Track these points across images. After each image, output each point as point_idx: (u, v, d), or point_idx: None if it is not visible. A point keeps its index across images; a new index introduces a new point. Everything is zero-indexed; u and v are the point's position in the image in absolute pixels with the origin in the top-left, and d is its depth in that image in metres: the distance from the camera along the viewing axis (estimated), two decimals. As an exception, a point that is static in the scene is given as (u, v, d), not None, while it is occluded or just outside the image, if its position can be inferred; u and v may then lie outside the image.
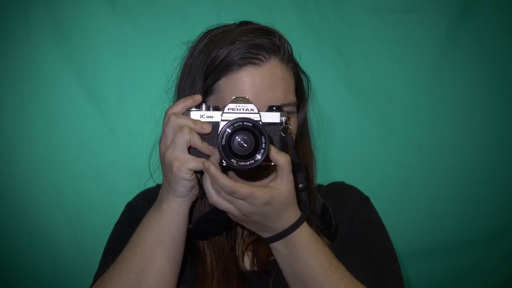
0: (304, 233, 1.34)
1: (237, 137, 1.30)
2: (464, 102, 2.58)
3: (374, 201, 1.74)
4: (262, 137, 1.28)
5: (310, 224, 1.52)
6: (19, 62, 2.40)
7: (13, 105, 2.41)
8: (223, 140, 1.29)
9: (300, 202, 1.41)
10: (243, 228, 1.57)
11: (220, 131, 1.30)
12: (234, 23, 1.57)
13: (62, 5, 2.40)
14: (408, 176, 2.57)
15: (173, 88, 1.58)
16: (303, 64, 1.63)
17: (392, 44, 2.56)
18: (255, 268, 1.55)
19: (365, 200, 1.72)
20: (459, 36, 2.54)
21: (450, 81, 2.57)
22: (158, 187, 1.65)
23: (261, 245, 1.55)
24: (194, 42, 1.55)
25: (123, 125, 2.46)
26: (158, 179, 1.64)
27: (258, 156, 1.29)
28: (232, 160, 1.29)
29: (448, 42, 2.55)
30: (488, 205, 2.58)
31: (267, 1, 2.51)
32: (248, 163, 1.28)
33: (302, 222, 1.34)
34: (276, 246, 1.34)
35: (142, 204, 1.63)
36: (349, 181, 1.87)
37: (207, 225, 1.47)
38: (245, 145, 1.29)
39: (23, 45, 2.39)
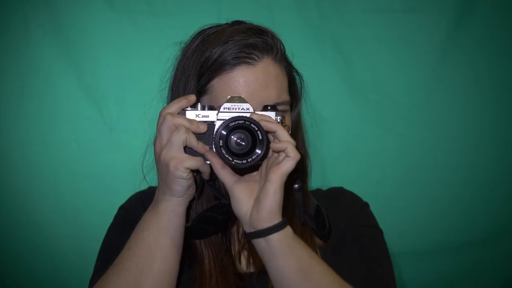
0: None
1: (233, 137, 1.32)
2: (464, 102, 2.57)
3: (373, 201, 1.74)
4: (259, 132, 1.30)
5: (305, 224, 1.53)
6: (17, 61, 2.40)
7: (10, 104, 2.41)
8: (220, 140, 1.31)
9: (294, 202, 1.42)
10: (239, 228, 1.58)
11: (216, 131, 1.31)
12: (227, 23, 1.58)
13: (61, 3, 2.39)
14: (407, 176, 2.56)
15: (167, 89, 1.59)
16: (303, 63, 1.64)
17: (392, 44, 2.55)
18: (252, 268, 1.55)
19: (364, 205, 1.72)
20: (459, 36, 2.53)
21: (450, 81, 2.56)
22: (150, 189, 1.67)
23: None
24: (187, 42, 1.56)
25: (122, 125, 2.45)
26: (151, 180, 1.64)
27: (258, 151, 1.31)
28: (230, 159, 1.30)
29: (448, 42, 2.54)
30: (488, 205, 2.57)
31: (267, 1, 2.51)
32: (247, 160, 1.31)
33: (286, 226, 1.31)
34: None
35: (136, 206, 1.63)
36: (348, 180, 1.88)
37: (206, 223, 1.48)
38: (243, 143, 1.32)
39: (21, 44, 2.39)
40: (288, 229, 1.31)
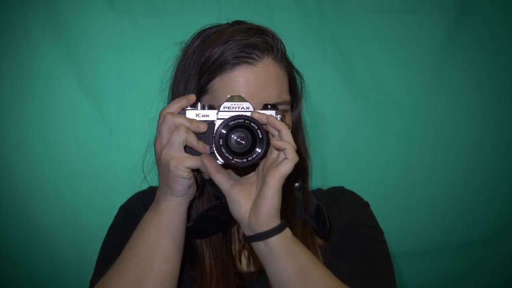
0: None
1: (233, 135, 1.32)
2: (464, 102, 2.57)
3: (373, 201, 1.74)
4: (259, 131, 1.30)
5: (305, 224, 1.53)
6: (17, 61, 2.39)
7: (10, 104, 2.40)
8: (220, 139, 1.31)
9: (295, 201, 1.42)
10: (239, 227, 1.58)
11: (216, 130, 1.32)
12: (227, 23, 1.58)
13: (61, 3, 2.39)
14: (407, 176, 2.56)
15: (167, 89, 1.59)
16: (303, 63, 1.64)
17: (392, 44, 2.55)
18: (252, 268, 1.56)
19: (364, 205, 1.72)
20: (459, 36, 2.53)
21: (450, 81, 2.56)
22: (150, 189, 1.67)
23: None
24: (187, 42, 1.57)
25: (122, 125, 2.45)
26: (152, 180, 1.64)
27: (258, 150, 1.31)
28: (230, 158, 1.31)
29: (448, 42, 2.54)
30: (488, 205, 2.57)
31: (267, 1, 2.50)
32: (247, 159, 1.32)
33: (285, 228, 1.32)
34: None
35: (137, 206, 1.64)
36: (348, 180, 1.87)
37: (207, 223, 1.48)
38: (243, 142, 1.32)
39: (21, 44, 2.39)
40: (287, 231, 1.31)
